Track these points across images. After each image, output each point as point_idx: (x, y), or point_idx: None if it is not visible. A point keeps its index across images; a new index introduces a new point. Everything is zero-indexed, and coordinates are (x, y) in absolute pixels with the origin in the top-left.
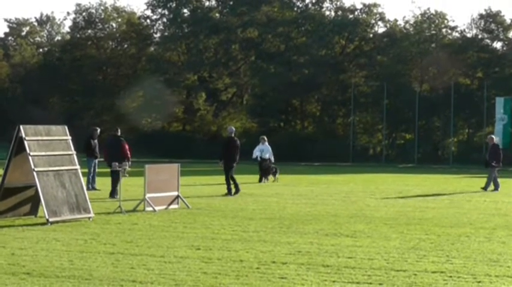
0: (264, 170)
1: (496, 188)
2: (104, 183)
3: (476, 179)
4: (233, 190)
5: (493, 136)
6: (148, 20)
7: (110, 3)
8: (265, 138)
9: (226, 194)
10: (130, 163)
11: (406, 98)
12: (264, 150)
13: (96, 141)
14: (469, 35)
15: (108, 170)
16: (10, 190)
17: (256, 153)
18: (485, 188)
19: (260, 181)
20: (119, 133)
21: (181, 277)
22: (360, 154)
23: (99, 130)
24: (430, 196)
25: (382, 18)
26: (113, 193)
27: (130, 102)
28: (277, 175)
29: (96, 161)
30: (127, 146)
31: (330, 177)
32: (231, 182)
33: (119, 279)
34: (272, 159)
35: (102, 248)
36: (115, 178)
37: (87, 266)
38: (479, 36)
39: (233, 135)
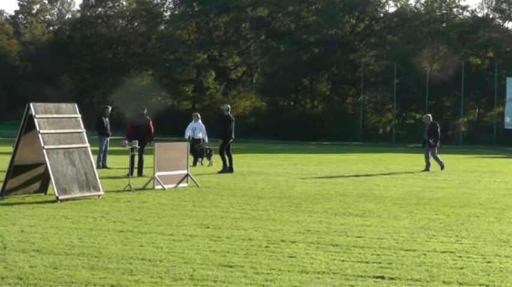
0: (197, 152)
1: (442, 167)
2: (114, 161)
3: (487, 159)
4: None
5: (429, 115)
6: None
7: None
8: (199, 116)
9: (221, 171)
10: (152, 142)
11: (416, 77)
12: (196, 129)
13: (107, 119)
14: (480, 15)
15: (118, 148)
16: (20, 167)
17: (188, 132)
18: (427, 169)
19: (194, 164)
20: (145, 111)
21: (190, 255)
22: (370, 134)
23: (110, 108)
24: (440, 176)
25: None
26: (131, 172)
27: (140, 80)
28: (212, 158)
29: (108, 139)
30: (152, 126)
31: (339, 156)
32: (227, 159)
33: (128, 257)
34: (206, 139)
35: (111, 226)
36: (132, 156)
37: (97, 244)
38: (491, 16)
39: (229, 112)
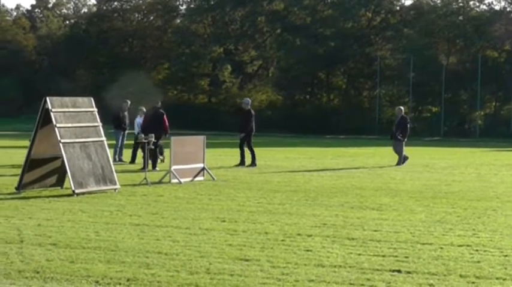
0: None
1: (403, 161)
2: (130, 155)
3: (503, 153)
4: (247, 162)
5: (401, 108)
6: None
7: None
8: (144, 110)
9: (238, 165)
10: (167, 135)
11: (433, 71)
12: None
13: (126, 113)
14: (496, 8)
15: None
16: (36, 161)
17: (135, 128)
18: (398, 164)
19: (133, 161)
20: (159, 105)
21: (206, 249)
22: (386, 127)
23: (129, 102)
24: (457, 170)
25: None
26: (154, 165)
27: (156, 74)
28: (164, 154)
29: (125, 133)
30: (166, 119)
31: (355, 150)
32: (249, 153)
33: (145, 251)
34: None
35: (127, 219)
36: (145, 150)
37: (113, 238)
38: (508, 9)
39: (250, 106)
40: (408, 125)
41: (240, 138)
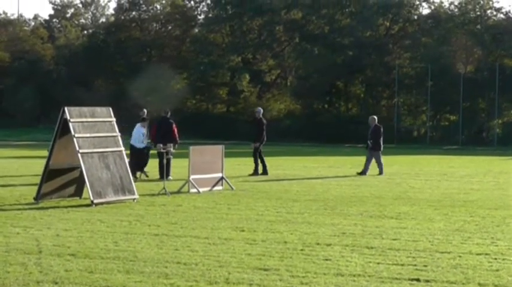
0: (133, 164)
1: (364, 172)
2: (148, 164)
3: None
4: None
5: (374, 117)
6: (192, 2)
7: None
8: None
9: (252, 174)
10: (177, 145)
11: (451, 79)
12: (133, 135)
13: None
14: None
15: (153, 151)
16: (55, 171)
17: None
18: (380, 173)
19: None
20: (169, 115)
21: (225, 259)
22: (404, 136)
23: (145, 111)
24: (475, 178)
25: None
26: (161, 176)
27: (175, 83)
28: (145, 168)
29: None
30: (176, 128)
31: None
32: (260, 162)
33: (164, 260)
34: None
35: (146, 229)
36: (160, 160)
37: (132, 248)
38: None
39: (262, 115)
40: (381, 135)
41: (254, 147)
